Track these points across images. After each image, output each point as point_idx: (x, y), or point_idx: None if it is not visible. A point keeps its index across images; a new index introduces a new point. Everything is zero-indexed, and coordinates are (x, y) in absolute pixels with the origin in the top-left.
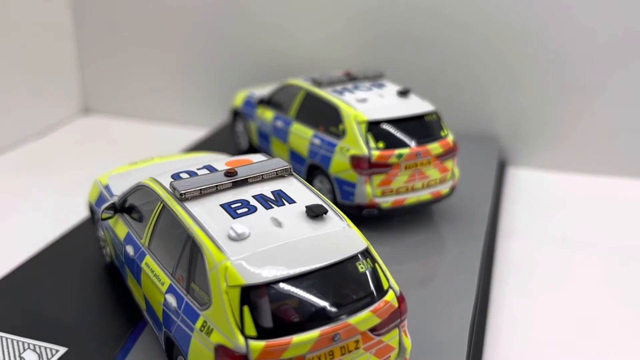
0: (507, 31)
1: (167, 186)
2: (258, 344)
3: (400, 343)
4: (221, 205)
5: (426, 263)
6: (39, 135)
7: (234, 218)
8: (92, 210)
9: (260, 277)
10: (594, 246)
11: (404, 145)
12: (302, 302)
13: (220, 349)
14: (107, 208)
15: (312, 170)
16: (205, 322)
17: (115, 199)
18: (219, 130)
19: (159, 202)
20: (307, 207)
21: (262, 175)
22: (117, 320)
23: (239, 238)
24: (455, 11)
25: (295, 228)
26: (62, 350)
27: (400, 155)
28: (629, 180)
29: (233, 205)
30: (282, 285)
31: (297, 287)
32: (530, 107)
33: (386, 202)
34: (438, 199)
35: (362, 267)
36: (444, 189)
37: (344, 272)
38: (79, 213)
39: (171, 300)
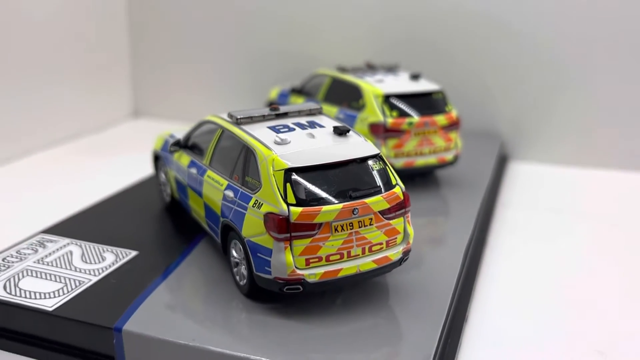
0: (508, 33)
1: (226, 117)
2: (297, 209)
3: (405, 230)
4: (268, 127)
5: (431, 220)
6: (94, 131)
7: (277, 133)
8: (156, 158)
9: (298, 163)
10: (583, 214)
11: (413, 114)
12: (329, 183)
13: (268, 215)
14: (174, 144)
15: None
16: (256, 200)
17: (180, 137)
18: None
19: (219, 129)
20: (334, 126)
21: (298, 111)
22: (178, 236)
23: (282, 142)
24: (461, 16)
25: (325, 139)
26: (134, 253)
27: (410, 123)
28: (629, 174)
29: (277, 127)
30: (314, 170)
31: (324, 172)
32: (530, 105)
33: (399, 162)
34: (443, 165)
35: (375, 166)
36: (449, 156)
37: (361, 168)
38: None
39: (229, 193)
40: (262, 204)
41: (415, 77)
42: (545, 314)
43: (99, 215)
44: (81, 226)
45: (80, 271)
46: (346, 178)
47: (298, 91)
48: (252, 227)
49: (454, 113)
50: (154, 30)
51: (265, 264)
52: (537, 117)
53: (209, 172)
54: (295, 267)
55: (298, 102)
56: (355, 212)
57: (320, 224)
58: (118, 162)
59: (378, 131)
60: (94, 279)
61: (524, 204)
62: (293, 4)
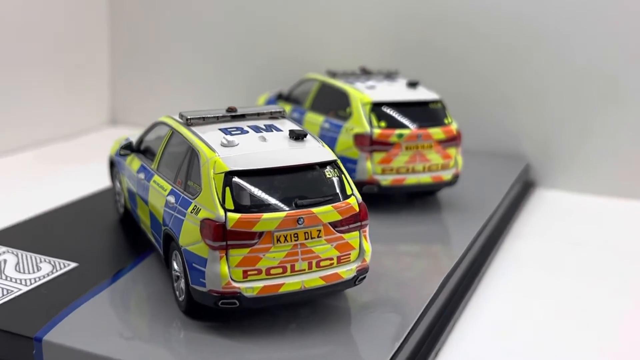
0: (535, 40)
1: (177, 118)
2: (234, 215)
3: (361, 246)
4: (219, 129)
5: (417, 245)
6: (66, 138)
7: (228, 135)
8: (112, 164)
9: (240, 166)
10: (607, 250)
11: (405, 126)
12: (274, 189)
13: (204, 221)
14: (124, 147)
15: None
16: (195, 206)
17: (132, 139)
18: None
19: (169, 131)
20: (290, 130)
21: (257, 113)
22: (126, 250)
23: (228, 145)
24: (481, 22)
25: (278, 143)
26: (73, 264)
27: (400, 135)
28: None
29: (229, 129)
30: (257, 174)
31: (270, 177)
32: (561, 122)
33: (386, 179)
34: (439, 184)
35: (329, 174)
36: (446, 175)
37: (312, 174)
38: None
39: (170, 199)
40: (200, 209)
41: (412, 84)
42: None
43: (45, 225)
44: (24, 235)
45: (11, 280)
46: (294, 185)
47: (285, 98)
48: (189, 235)
49: (453, 126)
50: (135, 33)
51: (200, 276)
52: (570, 138)
53: (155, 177)
54: (231, 279)
55: (286, 110)
56: (300, 222)
57: (261, 233)
58: (84, 171)
59: (363, 143)
60: (24, 289)
61: (540, 234)
62: (289, 5)
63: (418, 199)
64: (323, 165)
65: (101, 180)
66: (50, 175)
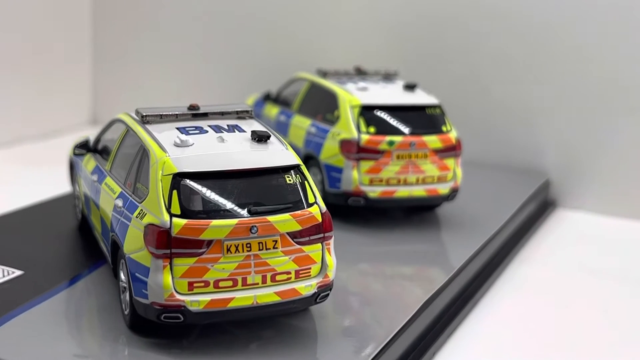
0: (563, 41)
1: (134, 115)
2: (180, 221)
3: (323, 260)
4: (177, 128)
5: (404, 264)
6: (41, 138)
7: (184, 134)
8: (72, 166)
9: (190, 167)
10: (628, 282)
11: (396, 132)
12: (226, 194)
13: (148, 227)
14: (80, 146)
15: (306, 162)
16: (141, 210)
17: (88, 138)
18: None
19: (124, 129)
20: (252, 131)
21: (222, 112)
22: (78, 259)
23: (182, 145)
24: (498, 23)
25: (237, 145)
26: (18, 272)
27: (391, 143)
28: None
29: (187, 128)
30: (209, 177)
31: (223, 181)
32: (587, 136)
33: (374, 191)
34: (435, 199)
35: (290, 179)
36: (443, 188)
37: (271, 179)
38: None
39: (118, 202)
40: (146, 214)
41: (410, 87)
42: None
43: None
44: None
45: None
46: (250, 190)
47: (273, 99)
48: (133, 242)
49: (452, 134)
50: (119, 29)
51: (142, 286)
52: (597, 152)
53: (107, 179)
54: (175, 292)
55: (273, 113)
56: (253, 231)
57: (210, 242)
58: (53, 173)
59: (349, 150)
60: None
61: (551, 260)
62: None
63: (416, 215)
64: (284, 169)
65: (67, 185)
66: (17, 176)
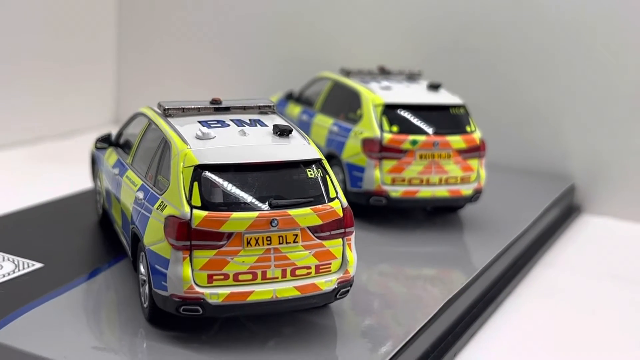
0: (588, 47)
1: (156, 108)
2: (200, 213)
3: (344, 255)
4: (199, 121)
5: (426, 266)
6: (64, 136)
7: (206, 128)
8: (93, 161)
9: (211, 160)
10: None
11: (420, 132)
12: (247, 187)
13: (169, 218)
14: (102, 139)
15: (328, 161)
16: (162, 202)
17: (110, 132)
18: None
19: (146, 122)
20: (274, 125)
21: (244, 106)
22: (98, 253)
23: (204, 137)
24: (524, 24)
25: (259, 138)
26: (39, 265)
27: (414, 142)
28: None
29: (209, 122)
30: (230, 169)
31: (244, 174)
32: (614, 141)
33: (396, 191)
34: (458, 200)
35: (312, 173)
36: (466, 189)
37: (293, 173)
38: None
39: (139, 194)
40: (166, 205)
41: (434, 87)
42: None
43: (18, 223)
44: None
45: None
46: (271, 183)
47: (296, 98)
48: (154, 234)
49: (477, 135)
50: (145, 29)
51: (162, 278)
52: (624, 157)
53: (128, 172)
54: (194, 284)
55: (295, 112)
56: (274, 224)
57: (230, 234)
58: (76, 170)
59: (372, 149)
60: None
61: (576, 265)
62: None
63: (438, 216)
64: (306, 163)
65: (89, 181)
66: (39, 173)
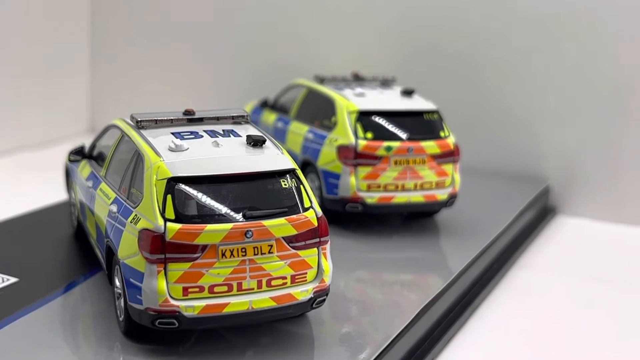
0: (562, 46)
1: (129, 120)
2: (174, 226)
3: (319, 265)
4: (172, 133)
5: (402, 271)
6: (38, 147)
7: (179, 139)
8: (67, 173)
9: (184, 172)
10: (633, 288)
11: (394, 138)
12: (221, 198)
13: (143, 232)
14: (75, 152)
15: (304, 168)
16: (135, 215)
17: (84, 144)
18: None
19: (119, 134)
20: (247, 135)
21: (217, 117)
22: (74, 266)
23: (177, 149)
24: (495, 28)
25: (233, 149)
26: (13, 279)
27: (389, 148)
28: None
29: (182, 133)
30: (203, 181)
31: (217, 185)
32: (588, 142)
33: (371, 197)
34: (433, 205)
35: (286, 184)
36: (441, 194)
37: (266, 183)
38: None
39: (113, 208)
40: (140, 219)
41: (407, 93)
42: None
43: None
44: None
45: None
46: (245, 194)
47: (271, 106)
48: (128, 247)
49: (450, 140)
50: (118, 35)
51: (137, 292)
52: (598, 158)
53: (102, 185)
54: (170, 297)
55: (270, 119)
56: (248, 235)
57: (204, 247)
58: (50, 181)
59: (347, 156)
60: None
61: (553, 267)
62: (284, 6)
63: (414, 222)
64: (279, 174)
65: (64, 193)
66: (13, 184)
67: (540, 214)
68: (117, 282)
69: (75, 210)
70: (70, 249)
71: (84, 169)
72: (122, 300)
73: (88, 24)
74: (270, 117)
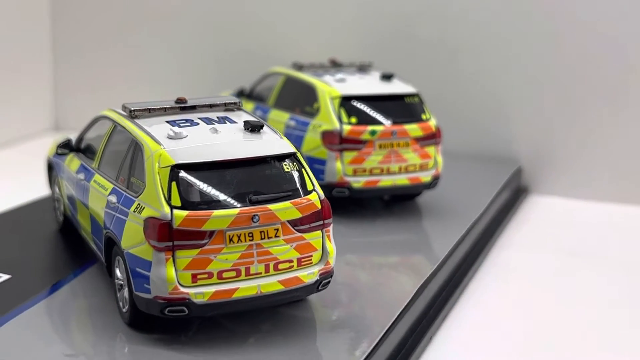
0: (529, 32)
1: (120, 110)
2: (181, 213)
3: (324, 247)
4: (167, 121)
5: (392, 254)
6: (3, 146)
7: (176, 127)
8: (50, 167)
9: (188, 159)
10: (606, 260)
11: (378, 122)
12: (225, 184)
13: (149, 220)
14: (62, 145)
15: None
16: (139, 204)
17: (71, 137)
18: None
19: (111, 125)
20: (245, 121)
21: (210, 104)
22: (65, 261)
23: (176, 137)
24: (470, 13)
25: (231, 135)
26: (5, 277)
27: (373, 132)
28: None
29: (177, 121)
30: (207, 167)
31: (221, 171)
32: (556, 125)
33: (358, 182)
34: (418, 187)
35: (288, 167)
36: (425, 176)
37: (269, 168)
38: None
39: (112, 198)
40: (144, 207)
41: (387, 77)
42: None
43: None
44: None
45: None
46: (249, 179)
47: (247, 95)
48: (132, 237)
49: (432, 122)
50: (81, 28)
51: (144, 281)
52: (566, 139)
53: (96, 177)
54: (179, 284)
55: (248, 109)
56: (255, 220)
57: (212, 232)
58: (22, 179)
59: (332, 141)
60: None
61: (531, 244)
62: None
63: (396, 204)
64: (280, 158)
65: (41, 190)
66: None
67: (514, 194)
68: (119, 274)
69: (60, 205)
70: (59, 244)
71: (72, 162)
72: (124, 291)
73: (49, 18)
74: (247, 107)
